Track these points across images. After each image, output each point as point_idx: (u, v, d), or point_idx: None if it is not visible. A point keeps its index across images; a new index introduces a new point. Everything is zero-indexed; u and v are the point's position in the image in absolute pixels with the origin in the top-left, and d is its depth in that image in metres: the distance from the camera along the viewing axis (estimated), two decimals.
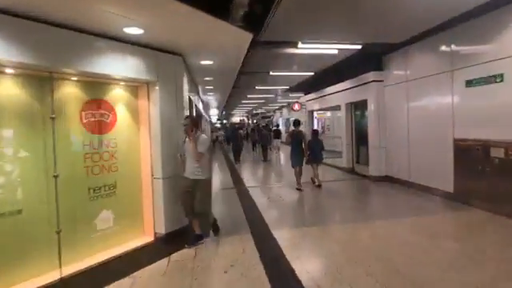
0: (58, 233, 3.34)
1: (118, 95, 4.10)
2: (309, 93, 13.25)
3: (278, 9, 4.50)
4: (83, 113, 3.71)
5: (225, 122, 41.12)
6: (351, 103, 9.70)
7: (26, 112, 3.18)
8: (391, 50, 7.35)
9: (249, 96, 17.23)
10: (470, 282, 2.99)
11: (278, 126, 20.13)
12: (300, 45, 6.30)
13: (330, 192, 7.32)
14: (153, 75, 4.14)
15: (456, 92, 5.66)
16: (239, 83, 11.21)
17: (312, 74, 10.01)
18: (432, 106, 6.35)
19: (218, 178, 9.98)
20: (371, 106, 8.19)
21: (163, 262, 3.68)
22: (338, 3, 4.57)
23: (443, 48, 5.94)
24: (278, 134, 15.75)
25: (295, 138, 7.45)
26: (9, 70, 3.04)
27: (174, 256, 3.81)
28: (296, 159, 7.47)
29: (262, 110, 31.74)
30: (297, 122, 7.72)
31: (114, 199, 4.03)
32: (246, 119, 40.10)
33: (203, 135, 4.03)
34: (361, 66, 8.32)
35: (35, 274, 3.19)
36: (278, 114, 29.47)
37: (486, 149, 5.05)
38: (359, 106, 9.35)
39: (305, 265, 3.48)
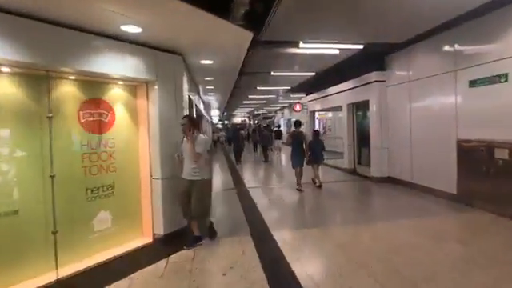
0: (55, 233, 3.29)
1: (116, 95, 4.06)
2: (310, 93, 13.19)
3: (278, 7, 4.44)
4: (81, 112, 3.67)
5: (226, 122, 41.11)
6: (353, 104, 9.62)
7: (23, 111, 3.14)
8: (394, 49, 7.27)
9: (250, 96, 17.18)
10: (474, 284, 2.93)
11: (279, 126, 20.07)
12: (301, 44, 6.24)
13: (331, 193, 7.25)
14: (152, 74, 4.10)
15: (459, 92, 5.58)
16: (240, 83, 11.16)
17: (313, 74, 9.94)
18: (435, 106, 6.27)
19: (219, 179, 9.93)
20: (373, 107, 8.12)
21: (161, 263, 3.63)
22: (339, 2, 4.52)
23: (446, 48, 5.86)
24: (279, 134, 15.69)
25: (296, 139, 7.41)
26: (4, 69, 3.00)
27: (173, 257, 3.76)
28: (296, 160, 7.42)
29: (264, 111, 31.70)
30: (297, 123, 7.68)
31: (112, 200, 3.98)
32: (247, 120, 40.06)
33: (201, 135, 3.96)
34: (363, 66, 8.24)
35: (31, 275, 3.15)
36: (279, 114, 29.41)
37: (491, 150, 4.97)
38: (361, 107, 9.28)
39: (305, 267, 3.41)
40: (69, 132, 3.55)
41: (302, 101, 16.10)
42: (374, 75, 7.97)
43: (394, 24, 5.53)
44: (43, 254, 3.24)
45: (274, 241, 4.18)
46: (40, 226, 3.23)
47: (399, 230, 4.48)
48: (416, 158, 6.87)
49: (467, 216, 5.04)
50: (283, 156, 14.88)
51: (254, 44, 5.91)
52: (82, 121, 3.69)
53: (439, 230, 4.44)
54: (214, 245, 4.10)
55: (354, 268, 3.36)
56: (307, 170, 7.75)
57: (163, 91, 4.24)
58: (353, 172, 9.54)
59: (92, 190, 3.78)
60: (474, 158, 5.28)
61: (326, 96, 11.43)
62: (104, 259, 3.69)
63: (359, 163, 9.52)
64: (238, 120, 41.12)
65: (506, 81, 4.68)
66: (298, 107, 17.04)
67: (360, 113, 9.53)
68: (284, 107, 25.78)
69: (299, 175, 7.45)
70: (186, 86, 5.21)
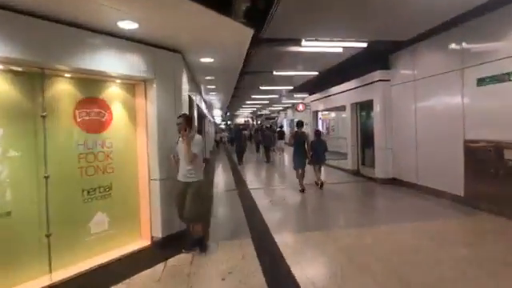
0: (48, 236, 3.19)
1: (114, 93, 3.96)
2: (313, 93, 13.06)
3: (280, 3, 4.33)
4: (77, 111, 3.57)
5: (229, 123, 41.04)
6: (356, 103, 9.48)
7: (16, 110, 3.04)
8: (398, 48, 7.12)
9: (253, 96, 17.06)
10: None
11: (281, 127, 19.94)
12: (304, 42, 6.10)
13: (334, 194, 7.12)
14: (150, 73, 3.99)
15: (467, 91, 5.42)
16: (243, 83, 11.08)
17: (316, 73, 9.81)
18: (441, 105, 6.11)
19: (221, 179, 9.85)
20: (377, 106, 7.97)
21: (159, 267, 3.52)
22: None
23: (453, 45, 5.70)
24: (281, 135, 15.58)
25: (298, 140, 7.31)
26: None
27: (171, 261, 3.65)
28: (298, 161, 7.30)
29: (267, 111, 31.57)
30: (300, 123, 7.59)
31: (109, 201, 3.88)
32: (250, 120, 39.96)
33: (198, 135, 3.83)
34: (366, 65, 8.10)
35: (24, 279, 3.05)
36: (282, 115, 29.27)
37: (499, 150, 4.80)
38: (365, 107, 9.13)
39: (307, 272, 3.29)
40: (64, 131, 3.45)
41: (305, 101, 15.96)
42: (378, 74, 7.83)
43: (399, 21, 5.39)
44: (36, 257, 3.14)
45: (275, 244, 4.06)
46: (33, 229, 3.13)
47: (404, 233, 4.34)
48: (421, 159, 6.71)
49: (474, 219, 4.88)
50: (286, 156, 14.75)
51: (256, 42, 5.81)
52: (79, 120, 3.59)
53: (445, 234, 4.29)
54: (213, 248, 3.98)
55: (356, 272, 3.24)
56: (310, 172, 7.63)
57: (162, 90, 4.13)
58: (356, 173, 9.39)
59: (88, 192, 3.68)
60: (482, 159, 5.11)
61: (329, 96, 11.29)
62: (100, 263, 3.58)
63: (363, 164, 9.37)
64: (241, 120, 41.02)
65: None
66: (300, 107, 16.89)
67: (364, 113, 9.38)
68: (287, 107, 25.64)
69: (301, 176, 7.34)
70: (185, 85, 5.11)
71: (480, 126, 5.20)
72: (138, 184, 4.23)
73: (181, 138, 3.72)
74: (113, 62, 3.60)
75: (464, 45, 5.45)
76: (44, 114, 3.16)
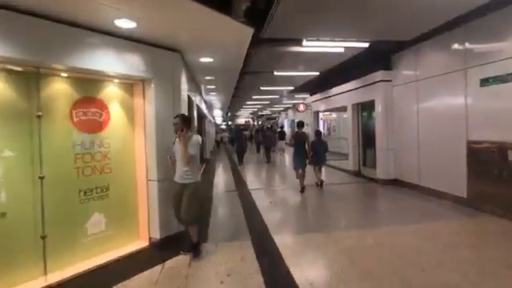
0: (44, 238, 3.14)
1: (111, 93, 3.92)
2: (314, 93, 13.00)
3: (280, 3, 4.27)
4: (74, 111, 3.53)
5: (230, 123, 41.00)
6: (358, 104, 9.41)
7: (11, 110, 2.99)
8: (401, 48, 7.05)
9: (253, 97, 17.01)
10: None
11: (282, 127, 19.89)
12: (305, 42, 6.04)
13: (335, 195, 7.05)
14: (148, 72, 3.94)
15: (470, 91, 5.35)
16: (243, 83, 11.02)
17: (317, 73, 9.75)
18: (444, 106, 6.04)
19: (221, 180, 9.80)
20: (379, 107, 7.90)
21: (157, 269, 3.47)
22: None
23: (456, 45, 5.63)
24: (282, 135, 15.52)
25: (298, 140, 7.28)
26: None
27: (169, 263, 3.60)
28: (298, 161, 7.28)
29: (268, 112, 31.51)
30: (300, 124, 7.58)
31: (106, 202, 3.83)
32: (251, 121, 39.90)
33: (195, 136, 3.74)
34: (368, 66, 8.03)
35: (18, 281, 3.00)
36: (283, 115, 29.21)
37: (503, 151, 4.73)
38: (366, 107, 9.06)
39: (306, 274, 3.23)
40: (61, 132, 3.41)
41: (306, 101, 15.90)
42: (379, 74, 7.76)
43: (401, 21, 5.32)
44: (31, 258, 3.09)
45: (275, 246, 4.00)
46: (29, 230, 3.09)
47: (406, 235, 4.27)
48: (423, 160, 6.63)
49: (477, 221, 4.81)
50: (286, 157, 14.70)
51: (257, 42, 5.76)
52: (75, 120, 3.54)
53: (448, 236, 4.21)
54: (212, 250, 3.92)
55: (357, 275, 3.18)
56: (311, 173, 7.57)
57: (160, 90, 4.08)
58: (358, 174, 9.32)
59: (85, 192, 3.63)
60: (485, 161, 5.04)
61: (331, 96, 11.22)
62: (97, 264, 3.54)
63: (364, 165, 9.29)
64: (241, 121, 40.97)
65: None
66: (301, 108, 16.82)
67: (365, 113, 9.31)
68: (288, 108, 25.57)
69: (301, 177, 7.30)
70: (184, 85, 5.06)
71: (483, 127, 5.12)
72: (136, 184, 4.19)
73: (177, 139, 3.64)
74: (110, 62, 3.55)
75: (467, 45, 5.38)
76: (39, 113, 3.11)
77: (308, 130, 12.63)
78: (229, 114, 32.49)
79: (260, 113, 32.84)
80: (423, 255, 3.60)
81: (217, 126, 32.04)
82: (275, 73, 9.30)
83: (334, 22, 5.32)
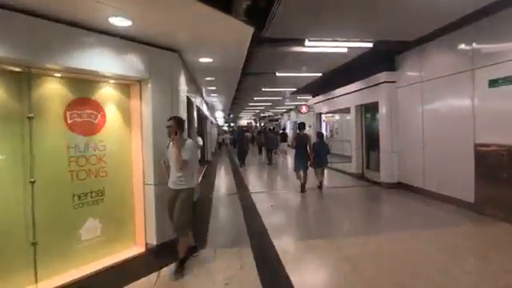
0: (34, 244, 3.02)
1: (107, 94, 3.80)
2: (317, 95, 12.84)
3: (281, 2, 4.15)
4: (68, 113, 3.41)
5: (232, 124, 40.92)
6: (361, 105, 9.25)
7: (1, 111, 2.87)
8: (405, 48, 6.89)
9: (255, 98, 16.90)
10: None
11: (284, 129, 19.75)
12: (307, 42, 5.91)
13: (338, 200, 6.88)
14: (145, 72, 3.82)
15: (477, 93, 5.18)
16: (245, 85, 10.91)
17: (320, 74, 9.61)
18: (449, 108, 5.87)
19: (222, 182, 9.66)
20: (383, 109, 7.74)
21: (153, 276, 3.35)
22: None
23: (463, 45, 5.47)
24: (284, 137, 15.38)
25: (300, 142, 7.22)
26: None
27: (165, 270, 3.46)
28: (300, 163, 7.23)
29: (270, 113, 31.39)
30: (301, 125, 7.52)
31: (101, 207, 3.71)
32: (253, 122, 39.79)
33: (189, 140, 3.56)
34: (372, 66, 7.88)
35: None
36: (285, 117, 29.06)
37: None
38: (370, 109, 8.90)
39: (308, 283, 3.10)
40: (53, 134, 3.29)
41: (309, 103, 15.75)
42: (383, 76, 7.60)
43: (406, 20, 5.17)
44: (21, 266, 2.97)
45: (276, 253, 3.85)
46: (18, 236, 2.96)
47: (411, 241, 4.10)
48: (428, 163, 6.46)
49: (486, 227, 4.62)
50: (288, 159, 14.55)
51: (258, 42, 5.65)
52: (69, 122, 3.43)
53: (456, 244, 4.03)
54: (210, 257, 3.78)
55: (360, 284, 3.05)
56: (312, 176, 7.43)
57: (157, 91, 3.96)
58: (361, 177, 9.14)
59: (79, 197, 3.51)
60: (494, 164, 4.86)
61: (334, 98, 11.07)
62: (91, 271, 3.42)
63: (368, 168, 9.12)
64: (244, 122, 40.87)
65: None
66: (304, 109, 16.68)
67: (369, 115, 9.15)
68: (290, 109, 25.43)
69: (303, 178, 7.24)
70: (183, 86, 4.93)
71: (492, 130, 4.95)
72: (133, 189, 4.06)
73: (171, 143, 3.48)
74: (106, 61, 3.44)
75: (474, 45, 5.21)
76: (31, 115, 2.99)
77: (311, 131, 12.49)
78: (231, 116, 32.40)
79: (262, 114, 32.72)
80: (430, 264, 3.44)
81: (219, 127, 31.96)
82: (277, 74, 9.18)
83: (336, 21, 5.18)
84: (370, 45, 6.27)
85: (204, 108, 11.14)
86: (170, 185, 3.52)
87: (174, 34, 3.77)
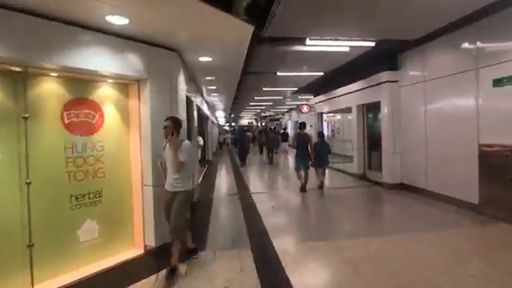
0: (30, 246, 2.96)
1: (105, 94, 3.74)
2: (318, 94, 12.77)
3: (281, 0, 4.08)
4: (65, 113, 3.36)
5: (233, 124, 40.89)
6: (363, 105, 9.17)
7: None
8: (408, 47, 6.81)
9: (256, 98, 16.83)
10: None
11: (285, 129, 19.69)
12: (308, 41, 5.84)
13: (339, 200, 6.82)
14: (143, 72, 3.77)
15: (482, 92, 5.10)
16: (246, 84, 10.84)
17: (321, 74, 9.53)
18: (453, 108, 5.79)
19: (223, 182, 9.61)
20: (385, 108, 7.66)
21: (152, 278, 3.29)
22: None
23: (467, 44, 5.39)
24: (285, 137, 15.32)
25: (300, 141, 7.20)
26: None
27: (163, 273, 3.37)
28: (300, 162, 7.22)
29: (271, 113, 31.31)
30: (302, 125, 7.53)
31: (99, 208, 3.65)
32: (254, 122, 39.73)
33: (186, 141, 3.48)
34: (374, 66, 7.79)
35: None
36: (286, 116, 28.98)
37: None
38: (372, 108, 8.82)
39: (308, 286, 3.03)
40: (50, 134, 3.24)
41: (310, 102, 15.67)
42: (385, 75, 7.52)
43: (408, 19, 5.09)
44: (17, 269, 2.91)
45: (276, 255, 3.79)
46: (14, 239, 2.91)
47: (414, 244, 4.03)
48: (431, 164, 6.38)
49: (490, 229, 4.54)
50: (290, 159, 14.49)
51: (258, 41, 5.58)
52: (67, 122, 3.37)
53: (460, 246, 3.96)
54: (210, 259, 3.72)
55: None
56: (313, 176, 7.38)
57: (156, 90, 3.90)
58: (362, 177, 9.06)
59: (77, 198, 3.46)
60: (498, 165, 4.79)
61: (335, 97, 11.00)
62: (89, 273, 3.36)
63: (369, 168, 9.04)
64: (245, 122, 40.81)
65: None
66: (305, 109, 16.60)
67: (370, 115, 9.07)
68: (291, 109, 25.35)
69: (304, 179, 7.20)
70: (183, 86, 4.87)
71: (496, 130, 4.87)
72: (131, 189, 4.01)
73: (168, 144, 3.40)
74: (103, 61, 3.38)
75: (479, 44, 5.13)
76: (26, 115, 2.94)
77: (312, 131, 12.43)
78: (232, 115, 32.34)
79: (263, 114, 32.66)
80: (433, 267, 3.37)
81: (220, 127, 31.92)
82: (278, 73, 9.11)
83: (338, 20, 5.11)
84: (372, 44, 6.20)
85: (204, 107, 11.09)
86: (167, 187, 3.45)
87: (173, 33, 3.71)
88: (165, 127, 3.35)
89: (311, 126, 15.16)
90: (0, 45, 2.57)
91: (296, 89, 13.22)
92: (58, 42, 2.97)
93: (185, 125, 5.05)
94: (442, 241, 4.11)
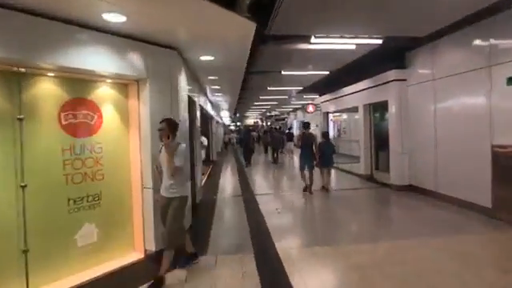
0: (25, 252, 2.88)
1: (104, 94, 3.65)
2: (324, 94, 12.58)
3: None
4: (62, 113, 3.27)
5: (239, 124, 40.84)
6: (370, 104, 8.96)
7: None
8: (416, 45, 6.61)
9: (261, 97, 16.67)
10: None
11: (290, 128, 19.54)
12: (313, 39, 5.68)
13: (346, 203, 6.65)
14: (142, 71, 3.66)
15: (495, 91, 4.88)
16: (250, 84, 10.71)
17: (327, 73, 9.34)
18: (464, 107, 5.58)
19: (227, 183, 9.51)
20: (392, 108, 7.45)
21: None
22: None
23: (479, 41, 5.17)
24: (290, 136, 15.18)
25: (305, 141, 7.11)
26: None
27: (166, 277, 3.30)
28: (305, 162, 7.12)
29: (276, 112, 31.14)
30: (307, 125, 7.46)
31: (98, 211, 3.56)
32: (259, 121, 39.60)
33: (183, 144, 3.33)
34: (381, 64, 7.59)
35: None
36: (292, 116, 28.79)
37: None
38: (379, 108, 8.62)
39: None
40: (47, 136, 3.15)
41: (316, 102, 15.48)
42: (393, 73, 7.32)
43: (417, 15, 4.87)
44: (12, 275, 2.83)
45: (280, 261, 3.66)
46: (8, 244, 2.82)
47: (423, 250, 3.85)
48: (441, 165, 6.17)
49: (506, 235, 4.33)
50: (295, 158, 14.34)
51: (262, 39, 5.46)
52: (64, 123, 3.29)
53: (474, 252, 3.77)
54: (210, 264, 3.61)
55: None
56: (317, 176, 7.24)
57: (155, 90, 3.79)
58: (370, 178, 8.85)
59: (75, 201, 3.37)
60: None
61: (341, 96, 10.80)
62: (88, 278, 3.28)
63: (377, 168, 8.84)
64: (250, 121, 40.71)
65: None
66: (310, 108, 16.40)
67: (378, 114, 8.87)
68: (297, 109, 25.15)
69: (309, 180, 7.10)
70: (184, 85, 4.76)
71: (510, 130, 4.65)
72: (131, 192, 3.91)
73: (163, 147, 3.27)
74: (101, 60, 3.29)
75: (492, 41, 4.91)
76: (21, 116, 2.85)
77: (317, 131, 12.26)
78: (237, 115, 32.27)
79: (269, 113, 32.50)
80: (444, 275, 3.20)
81: (225, 126, 31.88)
82: (283, 72, 8.96)
83: (344, 16, 4.93)
84: (379, 41, 6.02)
85: (208, 107, 10.99)
86: (162, 192, 3.33)
87: (173, 31, 3.60)
88: (159, 130, 3.22)
89: (317, 125, 14.98)
90: None
91: (301, 88, 13.05)
92: (53, 42, 2.88)
93: (187, 125, 4.96)
94: (453, 246, 3.92)
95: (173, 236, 3.18)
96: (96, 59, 3.23)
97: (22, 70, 2.84)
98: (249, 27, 3.67)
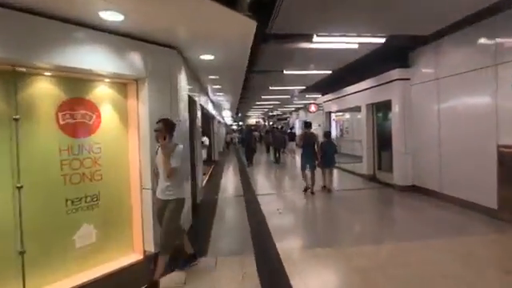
0: (22, 253, 2.85)
1: (102, 93, 3.60)
2: (326, 93, 12.50)
3: None
4: (60, 113, 3.23)
5: (241, 123, 40.80)
6: (373, 104, 8.87)
7: None
8: (420, 44, 6.52)
9: (263, 97, 16.60)
10: None
11: (292, 128, 19.46)
12: (315, 38, 5.61)
13: (349, 204, 6.57)
14: (141, 70, 3.61)
15: (501, 90, 4.79)
16: (252, 83, 10.66)
17: (329, 72, 9.25)
18: (469, 107, 5.49)
19: (228, 182, 9.47)
20: (396, 107, 7.36)
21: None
22: None
23: (484, 39, 5.08)
24: (292, 136, 15.11)
25: (307, 141, 7.06)
26: None
27: (162, 280, 3.22)
28: (306, 162, 7.09)
29: (278, 112, 31.04)
30: (308, 124, 7.41)
31: (96, 212, 3.52)
32: (262, 121, 39.52)
33: (180, 145, 3.26)
34: (384, 63, 7.50)
35: None
36: (294, 115, 28.68)
37: None
38: (382, 107, 8.53)
39: None
40: (44, 136, 3.11)
41: (318, 101, 15.38)
42: (396, 73, 7.23)
43: (420, 13, 4.79)
44: (8, 277, 2.79)
45: (281, 263, 3.60)
46: (4, 246, 2.79)
47: (427, 252, 3.78)
48: (445, 165, 6.07)
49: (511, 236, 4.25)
50: (297, 158, 14.26)
51: (263, 38, 5.40)
52: (62, 123, 3.24)
53: (479, 255, 3.70)
54: (210, 266, 3.56)
55: None
56: (319, 176, 7.18)
57: (155, 89, 3.74)
58: (372, 178, 8.77)
59: (73, 202, 3.33)
60: None
61: (344, 96, 10.72)
62: (86, 280, 3.24)
63: (379, 169, 8.75)
64: (252, 121, 40.65)
65: None
66: (313, 108, 16.30)
67: (380, 114, 8.78)
68: (299, 108, 25.04)
69: (311, 180, 7.04)
70: (184, 85, 4.71)
71: None
72: (130, 192, 3.87)
73: (160, 148, 3.21)
74: (99, 59, 3.24)
75: (498, 39, 4.82)
76: (17, 116, 2.81)
77: (320, 131, 12.18)
78: (239, 115, 32.22)
79: (271, 113, 32.41)
80: (450, 278, 3.13)
81: (227, 126, 31.85)
82: (285, 72, 8.89)
83: (346, 14, 4.85)
84: (382, 40, 5.92)
85: (210, 107, 10.94)
86: (158, 194, 3.27)
87: (172, 30, 3.54)
88: (156, 130, 3.16)
89: (319, 125, 14.89)
90: None
91: (303, 87, 12.96)
92: (50, 40, 2.83)
93: (187, 125, 4.91)
94: (457, 248, 3.85)
95: (168, 239, 3.13)
96: (94, 58, 3.18)
97: (18, 69, 2.80)
98: (249, 26, 3.60)
